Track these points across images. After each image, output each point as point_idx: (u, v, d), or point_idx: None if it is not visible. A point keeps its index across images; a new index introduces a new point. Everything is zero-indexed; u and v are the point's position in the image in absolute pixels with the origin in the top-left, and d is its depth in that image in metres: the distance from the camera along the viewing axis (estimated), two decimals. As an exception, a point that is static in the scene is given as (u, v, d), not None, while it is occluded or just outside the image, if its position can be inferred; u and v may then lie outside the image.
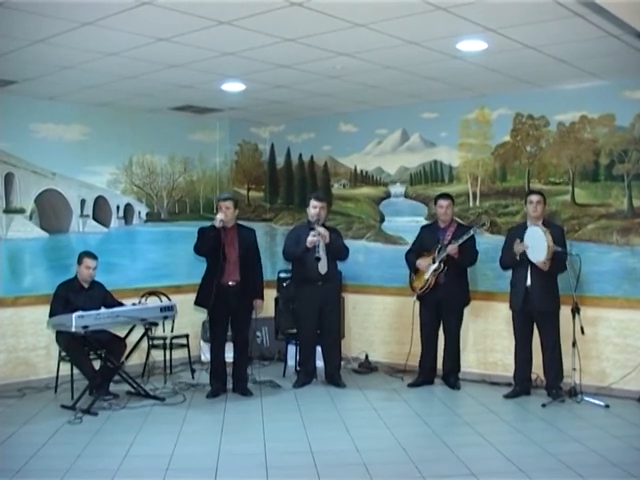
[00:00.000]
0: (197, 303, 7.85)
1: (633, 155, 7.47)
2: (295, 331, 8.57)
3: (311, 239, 7.82)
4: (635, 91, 7.40)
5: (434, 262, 7.80)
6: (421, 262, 7.93)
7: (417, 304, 8.13)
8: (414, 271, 8.06)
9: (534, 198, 7.33)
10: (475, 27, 5.71)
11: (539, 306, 7.24)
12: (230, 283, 7.60)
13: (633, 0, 4.16)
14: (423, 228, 8.30)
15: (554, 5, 5.13)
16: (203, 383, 8.07)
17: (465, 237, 7.64)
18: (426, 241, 8.04)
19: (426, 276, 7.85)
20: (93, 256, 7.57)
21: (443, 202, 7.97)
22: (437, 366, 8.16)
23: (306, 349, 8.27)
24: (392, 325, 9.01)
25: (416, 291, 8.00)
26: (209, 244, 7.48)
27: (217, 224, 7.42)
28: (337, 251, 8.12)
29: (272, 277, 9.66)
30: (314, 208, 8.02)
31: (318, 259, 7.83)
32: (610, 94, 7.54)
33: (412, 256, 8.09)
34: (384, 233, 9.39)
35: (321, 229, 7.87)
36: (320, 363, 8.38)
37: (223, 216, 7.48)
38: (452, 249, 7.66)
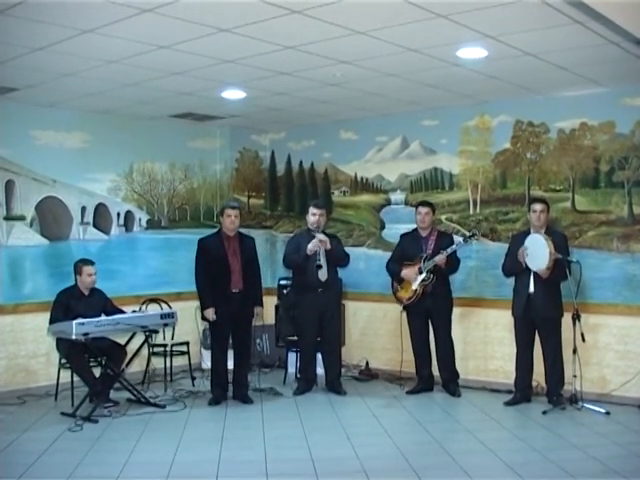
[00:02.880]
0: (204, 318, 7.81)
1: (633, 162, 7.47)
2: (295, 338, 8.56)
3: (312, 247, 7.83)
4: (635, 98, 7.41)
5: (420, 272, 7.79)
6: (407, 273, 7.91)
7: (404, 313, 8.16)
8: (399, 281, 8.05)
9: (537, 207, 7.31)
10: (475, 34, 5.73)
11: (542, 313, 7.22)
12: (233, 290, 7.61)
13: (632, 7, 4.17)
14: (403, 237, 8.26)
15: (554, 12, 5.14)
16: (203, 390, 8.06)
17: (455, 247, 7.68)
18: (408, 250, 8.02)
19: (414, 287, 7.83)
20: (91, 262, 7.57)
21: (422, 209, 7.98)
22: (433, 373, 8.15)
23: (306, 356, 8.26)
24: (392, 332, 8.98)
25: (403, 302, 7.99)
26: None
27: None
28: (338, 258, 8.12)
29: (272, 284, 9.65)
30: (313, 215, 8.03)
31: (319, 267, 7.84)
32: (610, 101, 7.55)
33: (395, 266, 8.07)
34: (384, 240, 9.38)
35: (321, 236, 7.87)
36: (320, 370, 8.37)
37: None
38: (441, 259, 7.67)
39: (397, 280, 8.05)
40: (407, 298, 7.91)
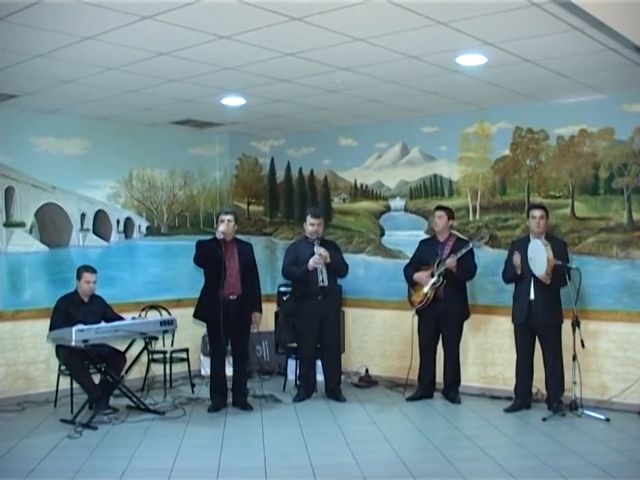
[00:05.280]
0: (196, 316, 7.85)
1: (632, 168, 7.48)
2: (295, 345, 8.55)
3: (313, 264, 7.85)
4: (634, 104, 7.42)
5: (433, 276, 7.79)
6: (420, 275, 7.92)
7: (416, 318, 8.13)
8: (412, 285, 8.05)
9: (537, 213, 7.33)
10: (474, 41, 5.74)
11: (542, 320, 7.22)
12: (231, 297, 7.58)
13: (631, 14, 4.18)
14: (422, 242, 8.30)
15: (553, 19, 5.15)
16: (203, 397, 8.06)
17: (464, 250, 7.66)
18: (425, 255, 8.04)
19: (425, 290, 7.84)
20: (92, 270, 7.57)
21: (436, 212, 8.02)
22: (436, 380, 8.14)
23: (306, 363, 8.26)
24: (392, 339, 9.00)
25: (415, 305, 7.98)
26: (209, 255, 7.47)
27: (218, 235, 7.42)
28: (337, 269, 8.14)
29: (272, 291, 9.65)
30: (312, 226, 8.03)
31: (323, 288, 7.89)
32: (609, 108, 7.57)
33: (410, 270, 8.08)
34: (384, 247, 9.39)
35: (322, 250, 7.88)
36: (320, 377, 8.36)
37: (225, 228, 7.47)
38: (451, 262, 7.65)
39: (412, 284, 8.06)
40: (418, 302, 7.90)
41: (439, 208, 8.08)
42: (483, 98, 7.85)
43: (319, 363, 8.32)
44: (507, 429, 6.94)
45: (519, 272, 7.29)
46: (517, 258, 7.28)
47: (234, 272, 7.63)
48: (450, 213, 8.05)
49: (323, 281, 7.91)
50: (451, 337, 8.00)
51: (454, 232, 8.16)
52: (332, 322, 8.19)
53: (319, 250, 7.87)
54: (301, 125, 9.50)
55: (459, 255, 7.65)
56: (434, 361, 8.10)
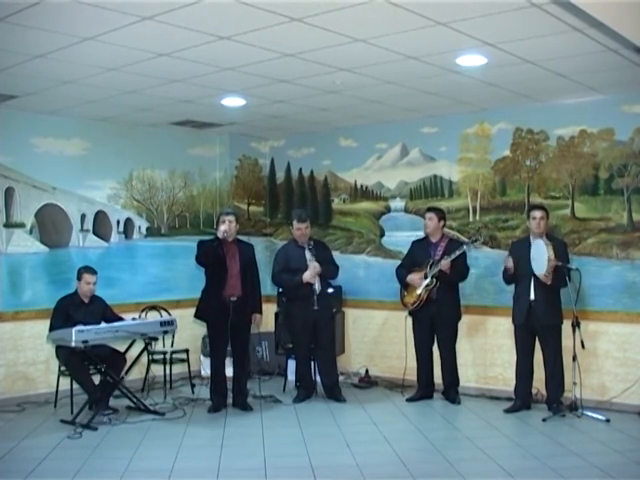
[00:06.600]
0: (197, 316, 7.85)
1: (632, 169, 7.48)
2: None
3: (308, 279, 7.86)
4: (634, 105, 7.42)
5: (426, 277, 7.78)
6: (413, 277, 7.90)
7: (409, 319, 8.14)
8: (405, 286, 8.05)
9: (537, 214, 7.32)
10: (474, 42, 5.74)
11: (542, 320, 7.21)
12: (231, 298, 7.57)
13: (631, 15, 4.18)
14: (414, 243, 8.26)
15: (553, 20, 5.15)
16: (203, 398, 8.05)
17: (458, 252, 7.64)
18: (417, 256, 8.02)
19: (418, 291, 7.82)
20: (92, 271, 7.57)
21: (426, 214, 8.02)
22: (434, 380, 8.13)
23: (302, 365, 8.26)
24: (392, 339, 8.98)
25: (408, 307, 7.98)
26: (211, 254, 7.47)
27: (220, 235, 7.42)
28: (329, 272, 8.13)
29: (272, 292, 9.64)
30: (298, 230, 8.02)
31: (317, 294, 7.89)
32: (609, 108, 7.57)
33: (403, 271, 8.07)
34: (384, 248, 9.39)
35: (315, 265, 7.87)
36: (319, 378, 8.35)
37: (226, 227, 7.47)
38: (445, 264, 7.64)
39: (404, 285, 8.05)
40: (411, 303, 7.90)
41: (429, 210, 8.07)
42: (483, 99, 7.86)
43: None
44: (507, 430, 6.93)
45: (511, 273, 7.33)
46: (509, 261, 7.32)
47: (234, 273, 7.63)
48: (441, 214, 8.02)
49: (316, 289, 7.91)
50: (446, 338, 7.99)
51: (448, 231, 8.17)
52: (326, 324, 8.17)
53: (312, 264, 7.87)
54: (301, 126, 9.50)
55: (453, 257, 7.64)
56: (431, 362, 8.10)
